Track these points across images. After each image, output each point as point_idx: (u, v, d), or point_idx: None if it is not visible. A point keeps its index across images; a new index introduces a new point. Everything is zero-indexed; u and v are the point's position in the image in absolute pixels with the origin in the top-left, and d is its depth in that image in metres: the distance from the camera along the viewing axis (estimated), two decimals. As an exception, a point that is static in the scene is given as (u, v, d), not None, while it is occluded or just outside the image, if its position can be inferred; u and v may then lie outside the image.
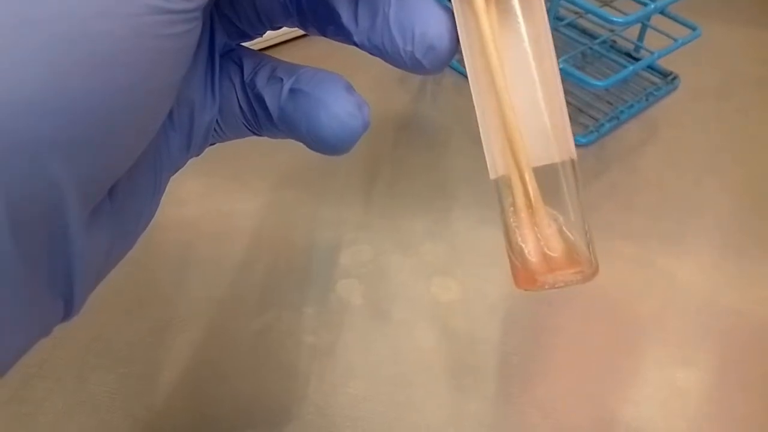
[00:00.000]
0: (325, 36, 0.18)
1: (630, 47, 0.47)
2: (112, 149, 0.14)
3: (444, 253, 0.36)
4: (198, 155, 0.20)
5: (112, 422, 0.28)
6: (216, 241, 0.36)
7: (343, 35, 0.18)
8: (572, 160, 0.17)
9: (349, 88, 0.18)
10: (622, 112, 0.44)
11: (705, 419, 0.30)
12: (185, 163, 0.19)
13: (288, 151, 0.41)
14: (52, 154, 0.12)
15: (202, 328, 0.32)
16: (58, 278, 0.14)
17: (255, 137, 0.20)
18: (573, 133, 0.43)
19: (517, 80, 0.17)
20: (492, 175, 0.17)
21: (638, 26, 0.46)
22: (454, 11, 0.17)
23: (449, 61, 0.17)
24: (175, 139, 0.18)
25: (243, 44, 0.20)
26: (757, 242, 0.37)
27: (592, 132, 0.42)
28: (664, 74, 0.47)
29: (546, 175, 0.17)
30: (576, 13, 0.48)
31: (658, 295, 0.34)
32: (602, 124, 0.43)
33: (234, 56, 0.19)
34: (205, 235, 0.36)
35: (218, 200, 0.38)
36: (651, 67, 0.47)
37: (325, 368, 0.31)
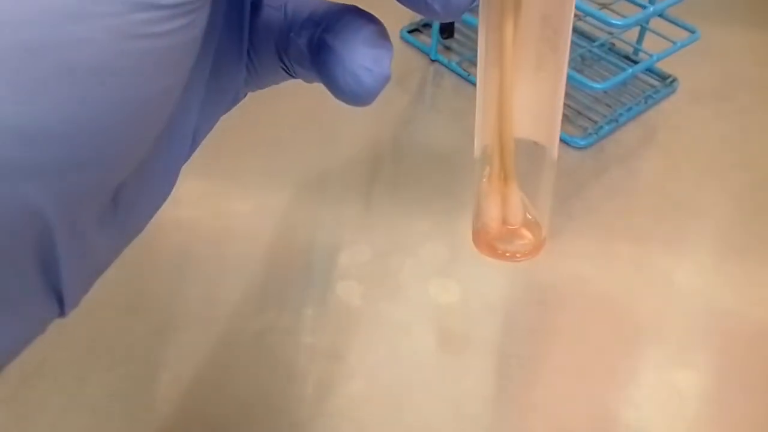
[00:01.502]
0: None
1: (629, 50, 0.47)
2: (102, 167, 0.12)
3: (443, 255, 0.36)
4: (229, 110, 0.18)
5: (110, 422, 0.28)
6: (215, 242, 0.36)
7: None
8: (554, 149, 0.18)
9: (372, 36, 0.16)
10: (620, 114, 0.44)
11: (704, 421, 0.30)
12: (215, 124, 0.18)
13: (287, 151, 0.41)
14: (26, 179, 0.11)
15: (201, 329, 0.32)
16: (49, 286, 0.13)
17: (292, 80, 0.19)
18: (572, 135, 0.44)
19: (525, 59, 0.17)
20: (476, 153, 0.18)
21: (637, 29, 0.46)
22: None
23: (466, 6, 0.15)
24: (201, 99, 0.17)
25: None
26: (756, 244, 0.37)
27: (590, 134, 0.42)
28: (663, 77, 0.47)
29: (527, 151, 0.18)
30: (575, 15, 0.48)
31: (658, 297, 0.34)
32: (601, 127, 0.43)
33: None
34: (203, 236, 0.36)
35: (217, 201, 0.38)
36: (650, 70, 0.47)
37: (324, 369, 0.31)
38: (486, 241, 0.19)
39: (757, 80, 0.48)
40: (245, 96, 0.19)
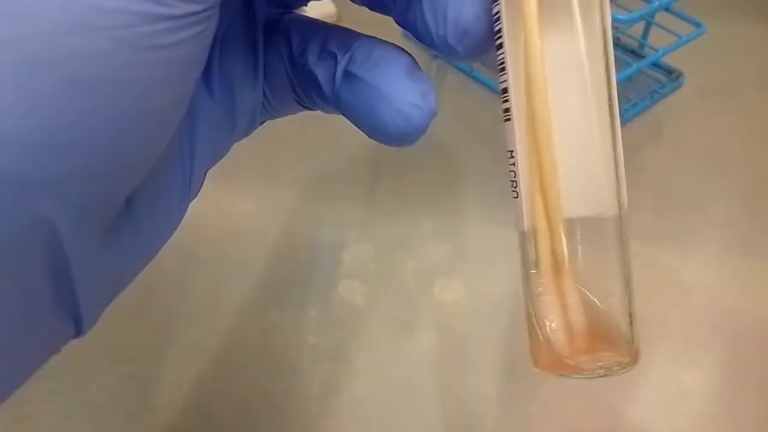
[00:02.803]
0: (370, 9, 0.16)
1: (634, 44, 0.47)
2: (112, 177, 0.12)
3: (447, 254, 0.35)
4: (246, 136, 0.18)
5: (113, 423, 0.28)
6: (218, 241, 0.36)
7: (386, 10, 0.16)
8: (621, 216, 0.14)
9: (412, 70, 0.15)
10: (626, 110, 0.43)
11: (710, 419, 0.29)
12: (230, 148, 0.17)
13: (289, 148, 0.41)
14: (37, 190, 0.11)
15: (204, 328, 0.32)
16: (64, 303, 0.13)
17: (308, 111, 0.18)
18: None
19: (563, 110, 0.13)
20: (523, 224, 0.14)
21: (642, 23, 0.46)
22: (502, 15, 0.14)
23: (488, 47, 0.14)
24: (215, 125, 0.16)
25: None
26: (763, 240, 0.37)
27: (596, 130, 0.42)
28: (669, 72, 0.46)
29: (584, 231, 0.13)
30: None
31: (664, 295, 0.34)
32: (606, 122, 0.42)
33: (281, 26, 0.17)
34: (206, 235, 0.36)
35: (220, 200, 0.38)
36: (655, 65, 0.46)
37: (327, 368, 0.30)
38: (552, 359, 0.14)
39: (763, 75, 0.48)
40: (262, 123, 0.18)
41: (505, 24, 0.14)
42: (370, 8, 0.16)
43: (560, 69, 0.13)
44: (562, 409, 0.29)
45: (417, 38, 0.15)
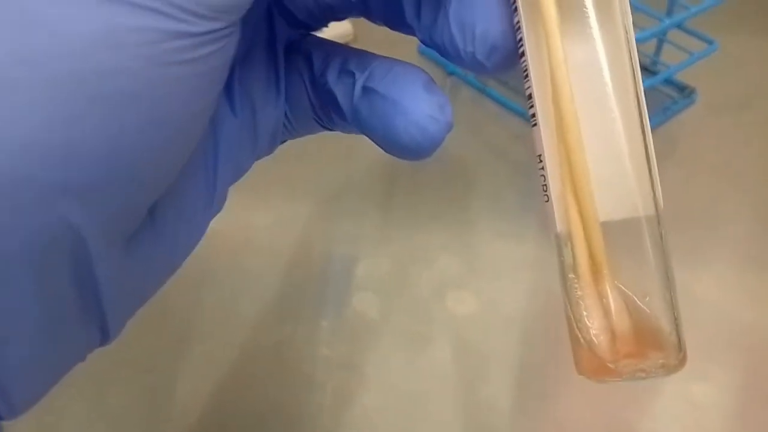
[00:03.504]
0: (391, 29, 0.17)
1: (646, 61, 0.47)
2: (136, 187, 0.13)
3: (460, 267, 0.36)
4: (268, 154, 0.18)
5: (131, 433, 0.29)
6: (233, 254, 0.36)
7: (408, 30, 0.16)
8: (657, 215, 0.14)
9: (429, 85, 0.16)
10: (639, 126, 0.44)
11: (724, 435, 0.29)
12: (251, 165, 0.18)
13: (304, 162, 0.41)
14: (65, 199, 0.11)
15: (219, 340, 0.32)
16: (89, 310, 0.13)
17: (328, 131, 0.18)
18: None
19: (590, 112, 0.13)
20: (556, 228, 0.14)
21: (654, 40, 0.46)
22: (522, 22, 0.14)
23: (516, 61, 0.15)
24: (237, 142, 0.17)
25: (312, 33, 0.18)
26: (776, 256, 0.37)
27: (608, 146, 0.42)
28: (682, 88, 0.46)
29: (620, 232, 0.13)
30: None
31: (676, 310, 0.34)
32: (619, 138, 0.43)
33: (302, 47, 0.17)
34: (222, 248, 0.36)
35: (235, 213, 0.38)
36: (668, 81, 0.46)
37: (341, 380, 0.31)
38: (594, 364, 0.14)
39: (777, 91, 0.48)
40: (283, 142, 0.18)
41: (525, 30, 0.14)
42: (390, 28, 0.17)
43: (584, 71, 0.13)
44: (574, 423, 0.29)
45: (443, 55, 0.16)
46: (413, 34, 0.16)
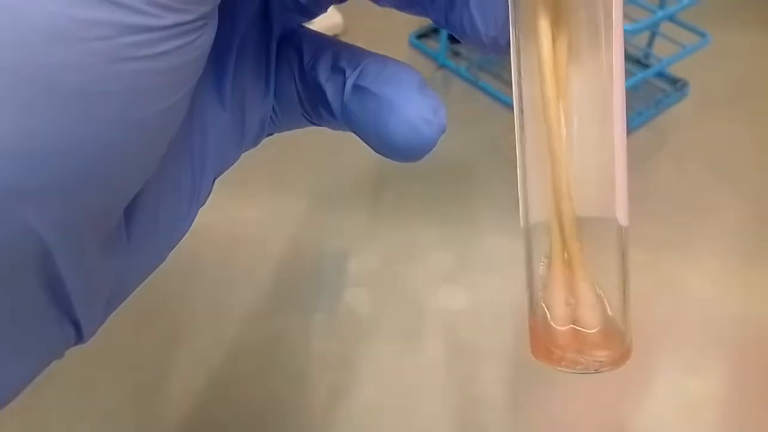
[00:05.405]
0: (400, 10, 0.16)
1: (639, 54, 0.47)
2: (102, 187, 0.12)
3: (453, 262, 0.35)
4: (254, 147, 0.18)
5: (120, 431, 0.28)
6: (224, 249, 0.36)
7: (419, 10, 0.16)
8: (623, 226, 0.14)
9: (422, 86, 0.16)
10: (631, 119, 0.44)
11: (718, 428, 0.29)
12: (238, 158, 0.17)
13: (296, 157, 0.41)
14: (21, 202, 0.11)
15: (210, 336, 0.32)
16: (61, 309, 0.13)
17: (316, 127, 0.18)
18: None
19: (574, 115, 0.14)
20: (522, 222, 0.15)
21: (647, 33, 0.46)
22: (510, 15, 0.14)
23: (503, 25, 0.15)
24: (225, 136, 0.16)
25: (304, 25, 0.17)
26: (768, 250, 0.37)
27: (601, 139, 0.42)
28: (674, 81, 0.46)
29: (589, 230, 0.14)
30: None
31: (669, 303, 0.34)
32: (611, 132, 0.43)
33: (294, 40, 0.17)
34: (212, 243, 0.36)
35: (226, 208, 0.38)
36: (660, 74, 0.46)
37: (333, 376, 0.31)
38: (548, 348, 0.14)
39: (769, 84, 0.48)
40: (269, 135, 0.18)
41: (512, 29, 0.14)
42: (399, 9, 0.16)
43: (575, 82, 0.14)
44: (567, 418, 0.29)
45: (460, 37, 0.15)
46: (423, 14, 0.16)
